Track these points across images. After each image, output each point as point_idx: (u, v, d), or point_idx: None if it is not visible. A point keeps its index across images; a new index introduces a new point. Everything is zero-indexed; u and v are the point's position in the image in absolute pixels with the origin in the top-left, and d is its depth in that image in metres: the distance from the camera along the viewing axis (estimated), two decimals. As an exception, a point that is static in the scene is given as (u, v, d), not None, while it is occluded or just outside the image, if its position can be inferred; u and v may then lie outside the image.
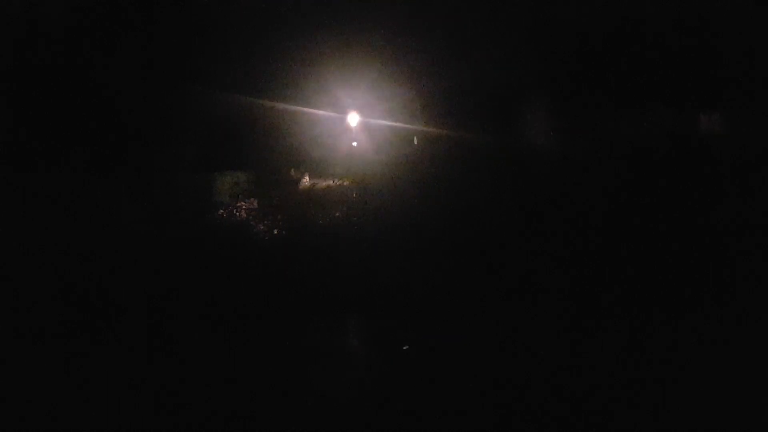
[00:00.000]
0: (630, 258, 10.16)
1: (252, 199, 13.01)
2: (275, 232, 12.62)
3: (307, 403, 6.67)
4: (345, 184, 12.89)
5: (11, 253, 10.45)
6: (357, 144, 13.02)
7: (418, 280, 10.37)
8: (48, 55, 12.44)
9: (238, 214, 12.84)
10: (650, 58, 12.15)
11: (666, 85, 12.02)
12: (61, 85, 12.42)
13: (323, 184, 13.15)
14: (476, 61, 11.67)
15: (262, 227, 12.67)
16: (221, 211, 12.84)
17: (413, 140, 12.43)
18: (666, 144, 11.46)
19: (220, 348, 8.31)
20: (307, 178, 13.56)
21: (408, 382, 7.18)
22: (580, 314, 8.94)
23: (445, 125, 12.01)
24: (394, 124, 12.35)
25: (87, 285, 10.14)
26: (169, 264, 10.84)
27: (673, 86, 12.04)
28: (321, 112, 12.72)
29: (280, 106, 12.50)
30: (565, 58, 12.06)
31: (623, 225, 10.69)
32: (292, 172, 13.38)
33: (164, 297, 9.97)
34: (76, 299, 9.74)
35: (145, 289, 10.10)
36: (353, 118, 12.89)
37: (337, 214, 12.53)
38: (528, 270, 10.21)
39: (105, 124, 12.50)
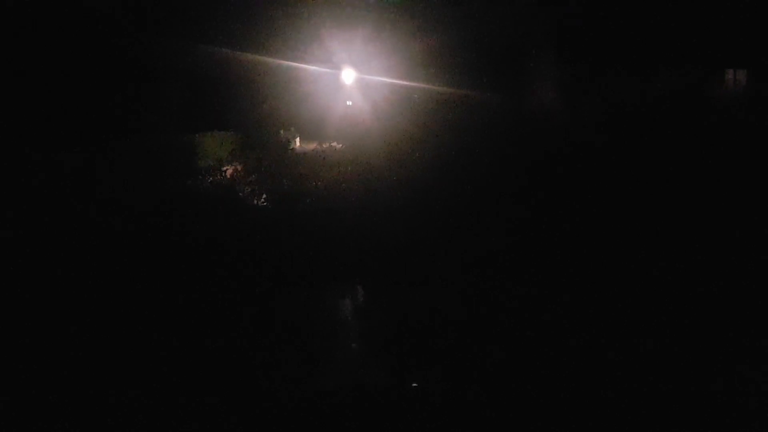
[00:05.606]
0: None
1: (238, 163, 12.10)
2: (263, 199, 11.76)
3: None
4: (338, 147, 12.03)
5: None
6: (352, 103, 12.15)
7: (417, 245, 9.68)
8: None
9: (221, 178, 11.91)
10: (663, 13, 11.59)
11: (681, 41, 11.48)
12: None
13: (315, 146, 12.22)
14: (483, 14, 10.89)
15: (248, 193, 11.79)
16: (205, 175, 11.89)
17: (413, 98, 11.58)
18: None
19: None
20: (297, 140, 12.70)
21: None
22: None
23: (448, 82, 11.21)
24: (393, 81, 11.48)
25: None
26: (150, 235, 9.99)
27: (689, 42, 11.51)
28: (313, 68, 11.79)
29: (269, 60, 11.55)
30: (575, 13, 11.39)
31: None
32: (282, 133, 12.49)
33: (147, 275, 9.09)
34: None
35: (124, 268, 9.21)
36: (348, 75, 11.97)
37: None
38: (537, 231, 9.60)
39: (76, 80, 11.50)
